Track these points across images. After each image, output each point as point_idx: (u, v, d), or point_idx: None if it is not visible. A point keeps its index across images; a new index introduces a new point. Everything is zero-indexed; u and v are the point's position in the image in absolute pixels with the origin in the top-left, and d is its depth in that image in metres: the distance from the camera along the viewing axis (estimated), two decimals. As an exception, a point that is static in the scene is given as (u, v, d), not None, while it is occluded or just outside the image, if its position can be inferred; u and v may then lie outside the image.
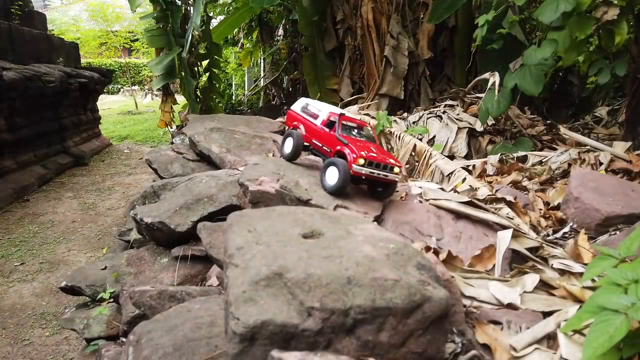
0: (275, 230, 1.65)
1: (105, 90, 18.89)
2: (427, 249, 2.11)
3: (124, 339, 2.52)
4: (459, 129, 5.03)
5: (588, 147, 4.09)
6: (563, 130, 4.65)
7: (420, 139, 4.89)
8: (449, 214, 2.55)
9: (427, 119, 5.32)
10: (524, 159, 4.20)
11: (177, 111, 8.11)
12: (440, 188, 3.08)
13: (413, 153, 4.52)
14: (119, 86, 27.09)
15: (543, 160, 4.06)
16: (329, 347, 1.26)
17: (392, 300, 1.31)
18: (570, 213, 2.81)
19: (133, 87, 25.05)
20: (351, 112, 5.44)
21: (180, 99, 8.65)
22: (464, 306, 1.79)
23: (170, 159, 4.06)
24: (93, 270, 3.05)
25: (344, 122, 2.60)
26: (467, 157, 4.89)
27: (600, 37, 3.95)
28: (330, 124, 2.60)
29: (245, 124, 4.77)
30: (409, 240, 2.22)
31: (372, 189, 2.59)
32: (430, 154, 4.31)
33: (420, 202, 2.68)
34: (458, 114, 5.24)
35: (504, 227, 2.40)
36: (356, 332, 1.28)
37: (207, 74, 7.66)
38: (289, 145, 2.72)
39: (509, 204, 2.84)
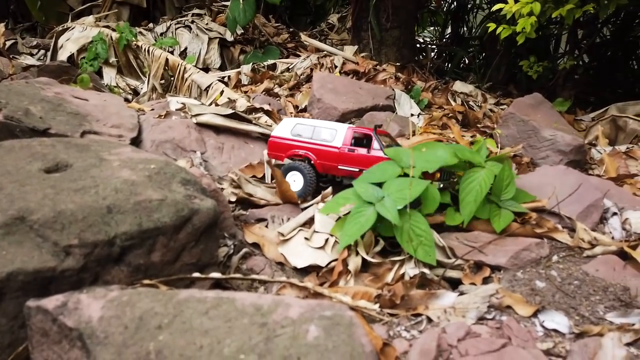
0: (6, 169, 1.39)
1: None
2: (191, 164, 2.13)
3: None
4: (210, 39, 4.95)
5: (325, 52, 4.56)
6: (303, 37, 5.04)
7: (172, 52, 4.65)
8: (210, 127, 2.58)
9: (176, 29, 5.05)
10: (273, 67, 4.45)
11: None
12: (200, 103, 3.06)
13: (166, 67, 4.29)
14: None
15: (290, 67, 4.37)
16: (97, 281, 1.19)
17: (159, 220, 1.30)
18: (315, 113, 3.17)
19: None
20: (86, 23, 4.74)
21: None
22: (232, 210, 1.90)
23: None
24: None
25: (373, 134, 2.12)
26: (222, 68, 4.91)
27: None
28: (357, 142, 2.17)
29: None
30: (171, 159, 2.18)
31: None
32: (185, 67, 4.17)
33: (181, 118, 2.62)
34: (207, 24, 5.11)
35: (264, 135, 2.62)
36: (125, 259, 1.23)
37: None
38: (298, 183, 2.16)
39: (267, 113, 3.05)
